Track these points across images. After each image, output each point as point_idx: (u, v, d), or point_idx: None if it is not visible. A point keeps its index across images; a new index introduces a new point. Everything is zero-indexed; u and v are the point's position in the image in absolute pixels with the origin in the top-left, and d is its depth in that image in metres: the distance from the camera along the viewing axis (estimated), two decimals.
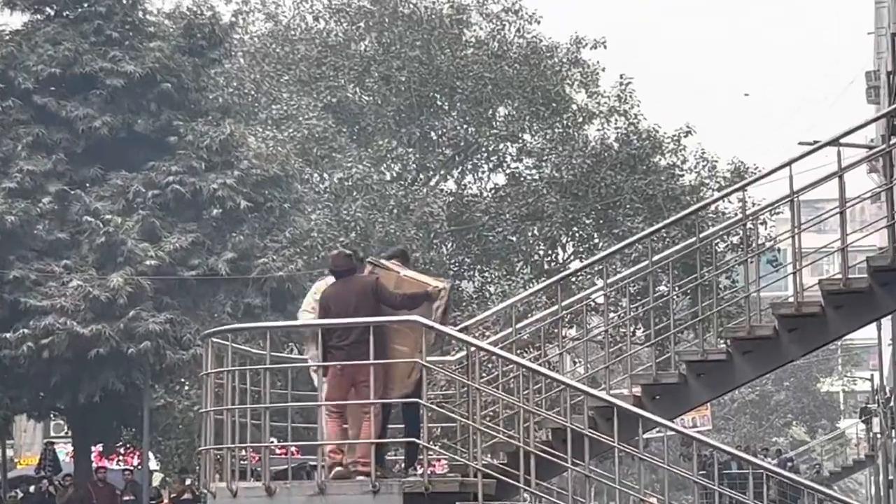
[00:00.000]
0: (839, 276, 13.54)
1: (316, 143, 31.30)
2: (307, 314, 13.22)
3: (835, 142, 13.86)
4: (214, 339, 13.14)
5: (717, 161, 33.99)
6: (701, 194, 31.32)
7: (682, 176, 33.52)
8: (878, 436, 42.81)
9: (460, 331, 12.81)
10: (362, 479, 12.33)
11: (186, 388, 32.48)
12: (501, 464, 12.90)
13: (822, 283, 13.71)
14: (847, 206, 13.63)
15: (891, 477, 35.07)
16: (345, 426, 12.67)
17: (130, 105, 30.94)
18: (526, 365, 13.16)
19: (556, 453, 12.40)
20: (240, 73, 33.48)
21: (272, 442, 14.17)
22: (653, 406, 13.40)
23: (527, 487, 12.03)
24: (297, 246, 29.29)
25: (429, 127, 33.95)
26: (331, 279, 12.93)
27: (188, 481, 30.17)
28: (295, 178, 30.40)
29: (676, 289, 20.26)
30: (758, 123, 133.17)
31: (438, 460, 14.88)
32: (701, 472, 23.75)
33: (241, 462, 13.11)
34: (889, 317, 28.39)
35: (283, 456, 19.79)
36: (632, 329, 23.63)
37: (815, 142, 15.30)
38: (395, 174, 33.81)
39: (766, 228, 29.82)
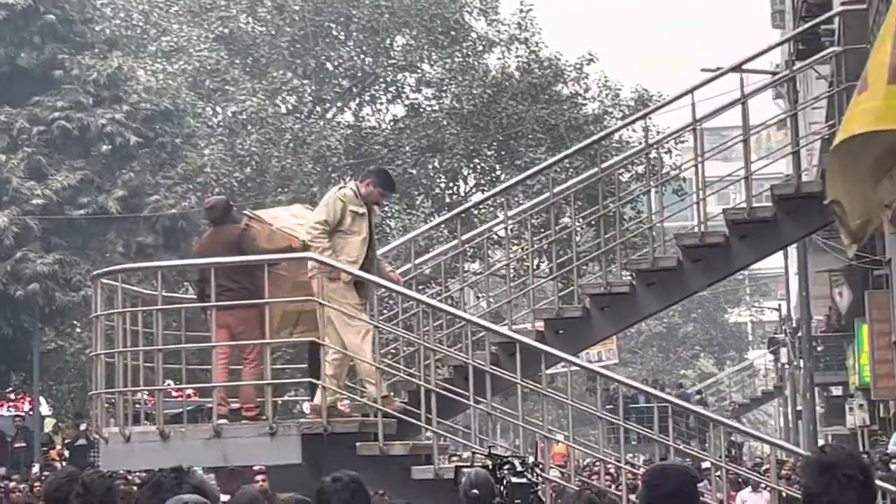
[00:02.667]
0: (744, 205, 13.35)
1: (208, 76, 30.76)
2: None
3: (738, 68, 13.64)
4: (104, 280, 12.91)
5: (620, 89, 33.81)
6: (604, 123, 31.10)
7: (585, 105, 33.28)
8: (786, 366, 43.21)
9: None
10: (260, 421, 12.12)
11: (78, 330, 31.88)
12: (402, 402, 12.65)
13: (726, 212, 13.53)
14: (751, 134, 13.45)
15: (799, 407, 35.36)
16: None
17: (13, 38, 30.13)
18: (426, 301, 12.97)
19: (458, 391, 12.20)
20: (127, 4, 32.79)
21: (167, 385, 13.91)
22: (556, 341, 13.17)
23: (428, 426, 11.83)
24: (190, 182, 28.83)
25: (324, 58, 33.45)
26: (347, 189, 12.43)
27: (83, 426, 29.66)
28: (187, 113, 29.93)
29: (580, 220, 20.10)
30: (664, 51, 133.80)
31: (340, 401, 14.69)
32: (608, 407, 23.68)
33: (136, 406, 12.84)
34: (795, 245, 28.37)
35: (179, 399, 19.49)
36: (536, 262, 23.50)
37: (719, 68, 15.06)
38: (290, 107, 33.31)
39: (671, 158, 29.63)
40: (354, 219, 12.17)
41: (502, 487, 8.40)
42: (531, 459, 9.64)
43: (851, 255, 23.15)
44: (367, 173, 12.62)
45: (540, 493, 8.03)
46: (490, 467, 8.79)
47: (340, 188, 12.44)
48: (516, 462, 8.92)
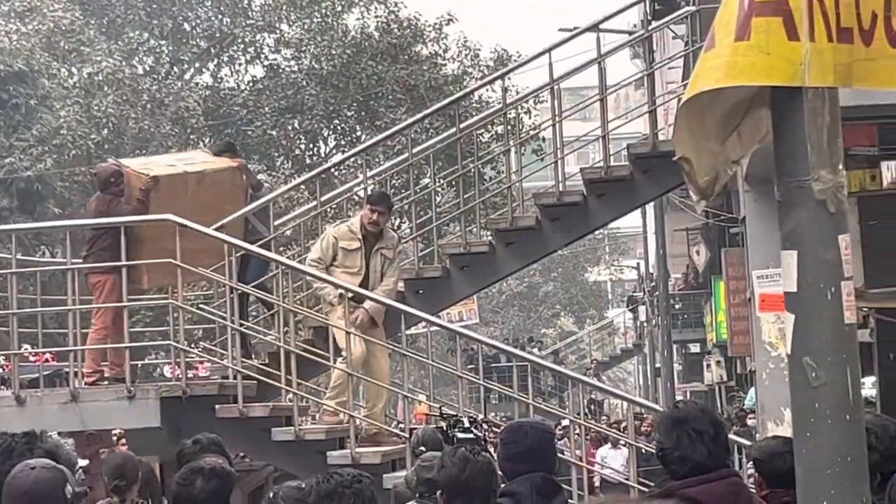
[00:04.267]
0: (601, 164, 13.49)
1: (63, 37, 30.17)
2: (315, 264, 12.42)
3: (594, 28, 13.73)
4: None
5: (479, 49, 33.86)
6: (464, 84, 31.11)
7: (445, 65, 33.28)
8: (645, 324, 43.77)
9: (216, 230, 12.39)
10: (117, 385, 12.05)
11: None
12: (262, 364, 12.63)
13: (583, 171, 13.67)
14: (607, 94, 13.57)
15: (658, 365, 35.87)
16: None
17: None
18: (285, 263, 12.91)
19: (319, 352, 12.19)
20: None
21: (25, 349, 13.77)
22: (416, 301, 13.22)
23: (288, 388, 11.82)
24: (45, 144, 28.32)
25: (182, 18, 33.00)
26: (344, 225, 12.50)
27: None
28: (41, 74, 29.36)
29: (441, 180, 20.11)
30: (524, 10, 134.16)
31: (201, 363, 14.66)
32: (470, 367, 23.81)
33: None
34: (653, 204, 28.71)
35: (37, 364, 19.25)
36: (397, 223, 23.52)
37: (576, 28, 15.15)
38: (147, 68, 32.85)
39: (530, 118, 29.78)
40: (346, 255, 12.16)
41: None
42: (480, 417, 9.88)
43: (700, 210, 23.50)
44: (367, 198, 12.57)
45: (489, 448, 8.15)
46: (443, 427, 9.01)
47: (339, 223, 12.38)
48: (465, 419, 9.12)
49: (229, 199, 13.12)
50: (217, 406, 11.84)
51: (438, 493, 6.05)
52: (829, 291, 4.35)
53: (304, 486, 5.67)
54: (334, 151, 33.25)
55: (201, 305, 13.45)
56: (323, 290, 12.15)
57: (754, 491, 6.76)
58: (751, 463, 7.32)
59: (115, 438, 12.50)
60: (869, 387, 18.83)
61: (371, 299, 11.90)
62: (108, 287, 12.21)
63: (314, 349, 12.33)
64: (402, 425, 12.18)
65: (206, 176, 13.11)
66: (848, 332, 4.39)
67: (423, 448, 8.05)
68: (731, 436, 13.22)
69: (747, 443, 11.73)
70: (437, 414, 9.94)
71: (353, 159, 17.73)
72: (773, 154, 4.50)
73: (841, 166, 4.42)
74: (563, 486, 7.08)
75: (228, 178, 13.34)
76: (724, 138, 4.71)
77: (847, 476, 4.32)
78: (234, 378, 11.88)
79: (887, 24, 4.46)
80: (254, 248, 12.54)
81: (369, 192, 12.46)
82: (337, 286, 11.89)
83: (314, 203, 14.36)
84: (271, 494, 5.75)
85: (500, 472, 6.18)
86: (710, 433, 5.29)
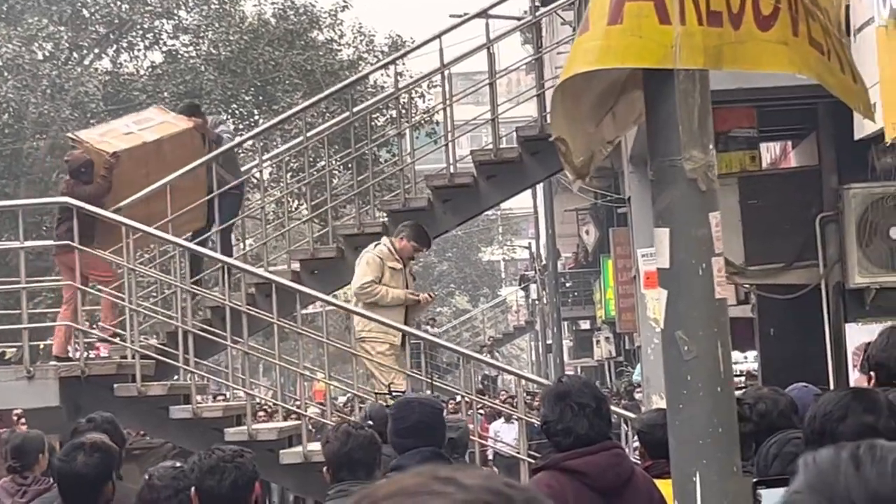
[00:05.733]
0: (491, 146, 13.76)
1: None
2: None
3: (483, 14, 13.98)
4: None
5: (374, 36, 34.07)
6: (359, 69, 31.24)
7: (340, 51, 33.44)
8: (536, 302, 44.19)
9: (114, 212, 12.52)
10: (16, 365, 12.14)
11: None
12: (161, 344, 12.76)
13: (474, 153, 13.91)
14: (497, 78, 13.81)
15: (549, 341, 36.28)
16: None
17: None
18: (182, 244, 13.00)
19: (216, 331, 12.34)
20: None
21: None
22: (312, 281, 13.40)
23: (186, 367, 11.96)
24: None
25: (80, 4, 32.74)
26: (381, 247, 12.47)
27: None
28: None
29: (337, 163, 20.28)
30: None
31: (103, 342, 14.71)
32: None
33: None
34: (542, 185, 29.07)
35: None
36: (296, 205, 23.62)
37: (466, 13, 15.41)
38: (47, 53, 32.54)
39: (424, 102, 30.04)
40: (392, 274, 12.27)
41: None
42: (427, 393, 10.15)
43: (576, 190, 23.82)
44: (400, 228, 12.60)
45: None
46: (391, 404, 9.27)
47: (375, 245, 12.42)
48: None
49: (191, 160, 13.31)
50: (116, 385, 11.96)
51: (325, 468, 6.29)
52: (700, 267, 4.41)
53: (178, 465, 5.78)
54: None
55: (98, 287, 13.51)
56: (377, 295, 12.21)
57: (639, 462, 7.04)
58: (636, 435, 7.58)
59: (15, 418, 12.57)
60: (751, 361, 19.32)
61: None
62: (75, 267, 12.36)
63: (212, 329, 12.49)
64: (297, 403, 12.39)
65: (164, 142, 13.31)
66: (719, 306, 4.44)
67: (370, 422, 8.30)
68: (618, 409, 13.64)
69: (633, 416, 12.07)
70: (387, 392, 10.30)
71: (250, 142, 17.83)
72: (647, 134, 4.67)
73: (711, 146, 4.51)
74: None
75: (187, 140, 13.51)
76: (599, 120, 4.82)
77: (718, 446, 4.37)
78: (133, 358, 12.01)
79: (755, 8, 4.52)
80: (151, 229, 12.56)
81: (410, 227, 12.57)
82: (372, 319, 11.98)
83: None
84: (147, 476, 5.76)
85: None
86: (592, 406, 5.40)
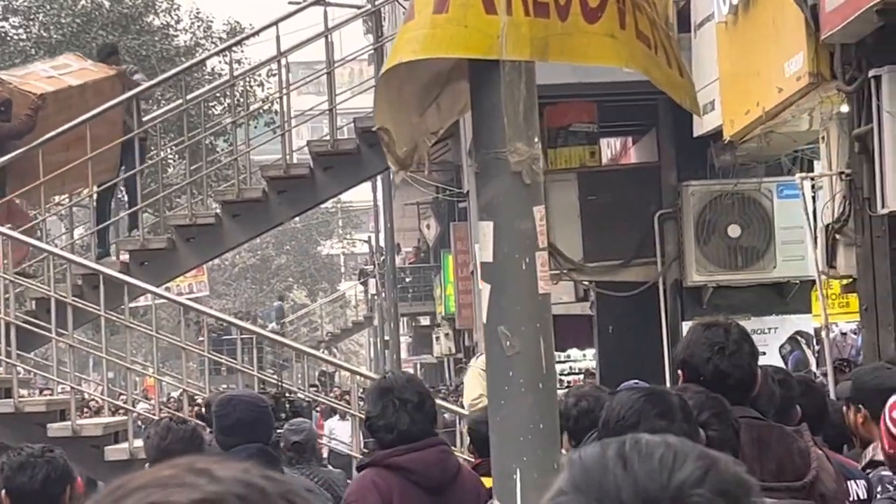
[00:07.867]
0: (328, 137, 13.60)
1: None
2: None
3: (322, 1, 13.83)
4: None
5: (212, 21, 33.69)
6: (196, 55, 30.86)
7: (177, 36, 33.01)
8: (375, 297, 44.05)
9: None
10: None
11: None
12: None
13: (310, 144, 13.75)
14: (334, 67, 13.65)
15: (387, 337, 36.18)
16: None
17: None
18: (6, 234, 12.63)
19: (41, 323, 12.01)
20: None
21: None
22: (141, 272, 13.11)
23: (8, 360, 11.63)
24: None
25: None
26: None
27: None
28: None
29: (173, 152, 19.96)
30: None
31: None
32: (200, 339, 23.64)
33: None
34: (381, 177, 28.96)
35: None
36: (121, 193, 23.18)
37: (305, 0, 15.22)
38: None
39: (263, 90, 29.73)
40: None
41: None
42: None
43: (398, 181, 23.76)
44: None
45: None
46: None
47: (478, 357, 11.98)
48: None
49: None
50: None
51: (147, 464, 6.15)
52: (523, 262, 4.35)
53: None
54: None
55: None
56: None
57: (470, 459, 7.00)
58: None
59: None
60: (590, 358, 19.41)
61: None
62: None
63: (37, 321, 12.16)
64: (123, 397, 12.11)
65: (87, 87, 13.38)
66: (542, 301, 4.39)
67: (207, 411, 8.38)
68: (451, 406, 13.54)
69: (455, 408, 12.01)
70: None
71: None
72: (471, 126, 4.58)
73: (537, 139, 4.45)
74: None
75: (109, 87, 13.53)
76: (423, 110, 4.76)
77: (539, 443, 4.32)
78: None
79: (582, 0, 4.47)
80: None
81: None
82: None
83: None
84: None
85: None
86: (414, 402, 5.38)
